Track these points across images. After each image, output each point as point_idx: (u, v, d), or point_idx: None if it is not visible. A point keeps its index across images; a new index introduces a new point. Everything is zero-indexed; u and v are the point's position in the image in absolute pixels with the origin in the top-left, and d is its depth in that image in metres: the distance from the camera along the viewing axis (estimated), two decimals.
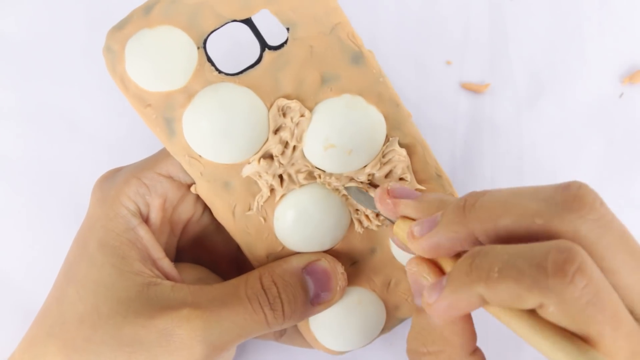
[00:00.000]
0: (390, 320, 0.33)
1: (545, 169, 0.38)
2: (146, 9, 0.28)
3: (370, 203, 0.30)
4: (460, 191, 0.32)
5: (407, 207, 0.26)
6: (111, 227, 0.29)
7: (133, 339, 0.27)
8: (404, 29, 0.39)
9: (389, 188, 0.27)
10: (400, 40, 0.38)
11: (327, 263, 0.30)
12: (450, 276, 0.22)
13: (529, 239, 0.22)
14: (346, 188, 0.30)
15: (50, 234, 0.39)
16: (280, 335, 0.34)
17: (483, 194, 0.23)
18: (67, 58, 0.39)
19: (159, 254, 0.30)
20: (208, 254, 0.34)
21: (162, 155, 0.30)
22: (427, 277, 0.25)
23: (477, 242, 0.23)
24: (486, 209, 0.22)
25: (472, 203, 0.23)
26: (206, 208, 0.32)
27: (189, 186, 0.31)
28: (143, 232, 0.29)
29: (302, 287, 0.29)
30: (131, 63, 0.28)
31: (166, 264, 0.30)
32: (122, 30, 0.28)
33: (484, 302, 0.22)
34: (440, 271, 0.25)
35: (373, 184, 0.30)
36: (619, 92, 0.38)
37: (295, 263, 0.30)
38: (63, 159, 0.39)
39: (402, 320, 0.33)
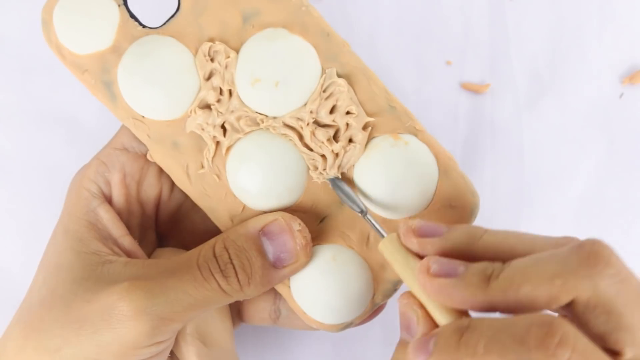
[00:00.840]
0: (380, 284, 0.30)
1: (546, 169, 0.38)
2: None
3: (352, 200, 0.29)
4: None
5: (433, 247, 0.26)
6: (73, 212, 0.30)
7: (79, 315, 0.27)
8: (404, 29, 0.39)
9: (414, 227, 0.26)
10: (401, 41, 0.38)
11: (283, 222, 0.29)
12: (438, 346, 0.23)
13: (549, 302, 0.22)
14: (330, 180, 0.29)
15: (48, 232, 0.39)
16: (276, 317, 0.33)
17: (504, 266, 0.24)
18: None
19: (119, 232, 0.30)
20: (190, 236, 0.33)
21: (118, 131, 0.31)
22: (417, 310, 0.25)
23: (490, 309, 0.24)
24: (510, 280, 0.23)
25: (496, 275, 0.23)
26: (174, 186, 0.32)
27: (146, 156, 0.31)
28: (103, 212, 0.30)
29: (258, 250, 0.28)
30: (60, 29, 0.29)
31: (127, 241, 0.30)
32: (50, 0, 0.29)
33: None
34: (428, 314, 0.25)
35: (319, 123, 0.29)
36: (619, 92, 0.38)
37: (251, 226, 0.29)
38: (63, 159, 0.39)
39: (395, 285, 0.30)
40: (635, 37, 0.39)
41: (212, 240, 0.29)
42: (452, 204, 0.29)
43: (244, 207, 0.30)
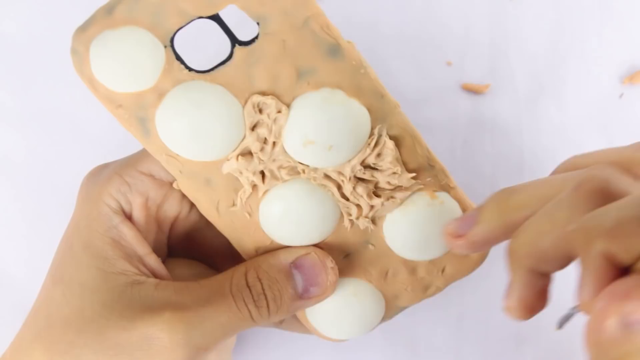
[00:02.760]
0: (390, 309, 0.32)
1: (546, 170, 0.38)
2: (108, 9, 0.27)
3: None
4: None
5: (477, 236, 0.27)
6: (95, 227, 0.29)
7: (115, 342, 0.27)
8: (404, 30, 0.39)
9: (450, 232, 0.27)
10: (401, 41, 0.38)
11: (316, 257, 0.29)
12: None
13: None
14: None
15: (51, 235, 0.39)
16: (280, 322, 0.33)
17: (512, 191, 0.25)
18: (67, 59, 0.39)
19: (144, 250, 0.29)
20: (201, 249, 0.33)
21: (145, 152, 0.30)
22: None
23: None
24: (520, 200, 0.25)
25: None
26: (194, 205, 0.32)
27: (172, 184, 0.30)
28: (126, 229, 0.29)
29: (290, 282, 0.29)
30: (96, 65, 0.28)
31: (153, 260, 0.30)
32: (85, 32, 0.28)
33: None
34: None
35: (360, 178, 0.30)
36: (619, 92, 0.38)
37: (283, 258, 0.29)
38: (64, 160, 0.39)
39: (402, 309, 0.33)
40: (636, 37, 0.39)
41: (243, 268, 0.29)
42: (468, 254, 0.31)
43: (272, 241, 0.30)
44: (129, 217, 0.30)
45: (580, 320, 0.37)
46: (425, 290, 0.32)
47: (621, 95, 0.38)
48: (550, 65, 0.39)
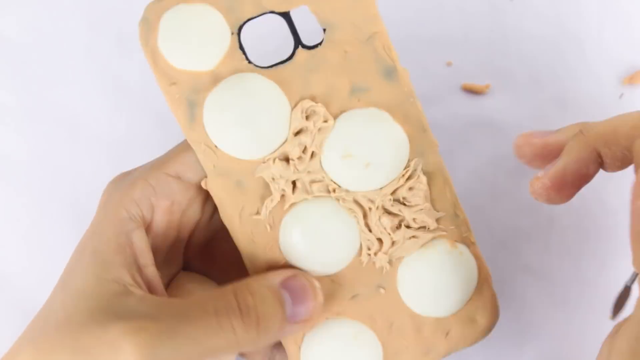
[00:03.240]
0: None
1: None
2: None
3: None
4: (462, 194, 0.32)
5: (552, 138, 0.28)
6: (104, 231, 0.28)
7: (85, 347, 0.26)
8: (404, 30, 0.39)
9: (525, 136, 0.29)
10: (401, 41, 0.38)
11: (304, 279, 0.29)
12: None
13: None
14: None
15: (51, 234, 0.39)
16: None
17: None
18: (68, 59, 0.39)
19: (146, 260, 0.29)
20: (217, 264, 0.33)
21: (172, 155, 0.30)
22: None
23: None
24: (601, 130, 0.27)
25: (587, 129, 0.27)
26: (215, 213, 0.31)
27: (198, 187, 0.30)
28: (137, 237, 0.29)
29: (279, 302, 0.28)
30: (163, 36, 0.28)
31: (150, 272, 0.29)
32: (161, 2, 0.28)
33: None
34: None
35: (387, 211, 0.30)
36: (619, 92, 0.38)
37: (272, 277, 0.28)
38: (64, 159, 0.39)
39: None
40: (636, 37, 0.39)
41: (231, 286, 0.28)
42: (475, 318, 0.31)
43: (285, 262, 0.30)
44: (148, 224, 0.29)
45: (579, 321, 0.37)
46: (425, 354, 0.31)
47: (621, 96, 0.38)
48: (550, 66, 0.39)
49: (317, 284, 0.29)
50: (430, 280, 0.30)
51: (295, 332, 0.29)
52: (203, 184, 0.29)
